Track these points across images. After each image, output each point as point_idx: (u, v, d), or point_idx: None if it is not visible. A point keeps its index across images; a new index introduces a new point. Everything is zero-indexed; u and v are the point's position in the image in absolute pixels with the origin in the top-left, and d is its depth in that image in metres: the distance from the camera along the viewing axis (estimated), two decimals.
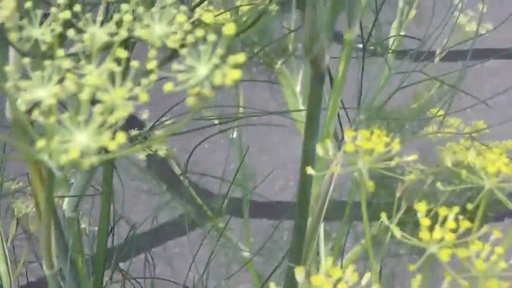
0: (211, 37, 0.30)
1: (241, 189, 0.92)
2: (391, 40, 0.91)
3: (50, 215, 0.41)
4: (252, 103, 0.81)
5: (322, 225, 0.81)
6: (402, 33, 0.86)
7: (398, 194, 0.82)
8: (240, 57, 0.30)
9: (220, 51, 0.30)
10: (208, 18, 0.31)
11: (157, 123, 0.68)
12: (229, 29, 0.30)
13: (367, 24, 0.72)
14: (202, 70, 0.31)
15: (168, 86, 0.30)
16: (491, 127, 0.87)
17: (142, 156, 0.90)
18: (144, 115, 0.90)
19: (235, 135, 0.95)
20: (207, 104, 0.34)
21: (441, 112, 0.76)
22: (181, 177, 0.88)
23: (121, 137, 0.28)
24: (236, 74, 0.30)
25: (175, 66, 0.31)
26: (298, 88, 0.81)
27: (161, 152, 0.91)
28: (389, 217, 0.45)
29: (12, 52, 0.40)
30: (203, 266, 0.91)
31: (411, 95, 0.91)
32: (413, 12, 0.92)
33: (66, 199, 0.69)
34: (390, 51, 0.79)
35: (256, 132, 1.74)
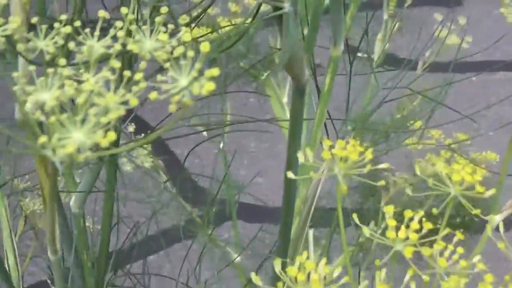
0: (191, 53, 0.35)
1: (230, 195, 0.96)
2: (376, 53, 0.96)
3: (54, 203, 0.46)
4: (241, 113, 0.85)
5: (311, 232, 0.86)
6: (386, 44, 0.91)
7: (383, 202, 0.87)
8: (215, 71, 0.35)
9: (198, 65, 0.35)
10: (187, 37, 0.36)
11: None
12: (205, 47, 0.35)
13: (353, 36, 0.77)
14: (183, 81, 0.35)
15: (152, 95, 0.35)
16: (479, 136, 0.91)
17: (128, 168, 0.93)
18: (130, 128, 0.95)
19: (221, 145, 0.98)
20: (190, 112, 0.39)
21: (421, 124, 0.80)
22: (167, 184, 0.92)
23: (112, 135, 0.33)
24: (211, 86, 0.34)
25: (159, 77, 0.36)
26: (285, 99, 0.85)
27: (147, 164, 0.94)
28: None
29: (20, 61, 0.45)
30: (202, 271, 0.95)
31: (395, 106, 0.95)
32: (396, 25, 0.96)
33: (73, 197, 0.74)
34: (376, 66, 0.83)
35: (264, 138, 1.77)
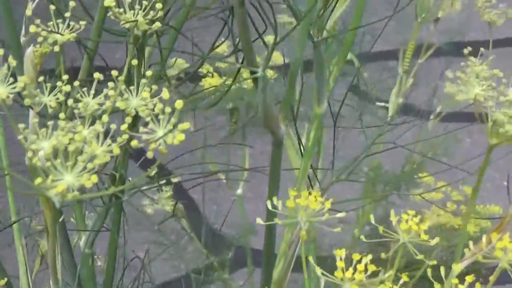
0: (168, 109, 0.42)
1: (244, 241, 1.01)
2: (391, 106, 1.02)
3: (55, 238, 0.52)
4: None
5: (323, 280, 0.90)
6: (400, 99, 0.97)
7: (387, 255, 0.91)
8: (186, 125, 0.41)
9: (173, 120, 0.42)
10: (166, 95, 0.42)
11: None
12: (179, 104, 0.41)
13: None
14: (160, 132, 0.42)
15: (134, 142, 0.41)
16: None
17: (149, 210, 0.99)
18: (152, 173, 1.01)
19: (239, 191, 1.03)
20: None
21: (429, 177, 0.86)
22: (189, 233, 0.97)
23: (94, 178, 0.39)
24: (182, 136, 0.41)
25: (142, 128, 0.42)
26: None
27: (167, 207, 0.99)
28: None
29: (31, 113, 0.52)
30: None
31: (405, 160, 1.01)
32: (410, 80, 1.02)
33: (83, 238, 0.80)
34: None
35: (282, 186, 1.80)
